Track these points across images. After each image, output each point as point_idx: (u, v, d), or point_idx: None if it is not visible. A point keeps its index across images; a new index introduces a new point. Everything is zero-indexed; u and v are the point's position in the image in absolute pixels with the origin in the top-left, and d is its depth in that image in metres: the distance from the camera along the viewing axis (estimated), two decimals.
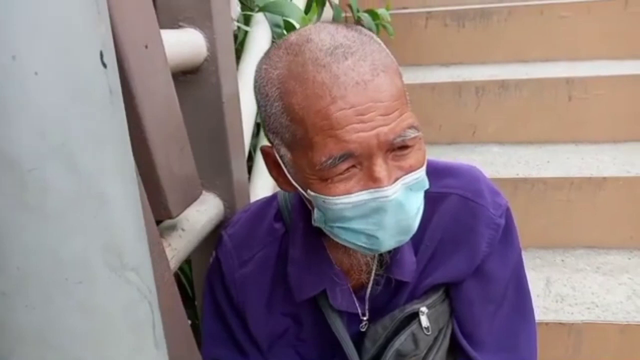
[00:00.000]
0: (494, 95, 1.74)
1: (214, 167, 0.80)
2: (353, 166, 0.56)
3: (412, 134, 0.56)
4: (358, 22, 1.91)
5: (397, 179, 0.57)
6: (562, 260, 1.42)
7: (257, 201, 0.83)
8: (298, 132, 0.57)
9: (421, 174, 0.59)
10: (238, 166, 0.84)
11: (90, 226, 0.29)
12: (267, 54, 0.62)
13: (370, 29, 1.91)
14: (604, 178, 1.44)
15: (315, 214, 0.63)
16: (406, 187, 0.58)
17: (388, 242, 0.60)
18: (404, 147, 0.57)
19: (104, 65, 0.29)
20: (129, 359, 0.32)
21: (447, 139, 1.78)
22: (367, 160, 0.56)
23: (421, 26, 2.04)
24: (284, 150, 0.62)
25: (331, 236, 0.64)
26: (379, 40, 0.61)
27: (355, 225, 0.59)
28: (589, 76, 1.71)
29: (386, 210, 0.57)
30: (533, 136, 1.72)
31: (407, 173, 0.58)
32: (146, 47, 0.55)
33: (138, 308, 0.33)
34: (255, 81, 0.63)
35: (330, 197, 0.58)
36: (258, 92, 0.62)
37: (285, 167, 0.63)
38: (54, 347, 0.30)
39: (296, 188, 0.64)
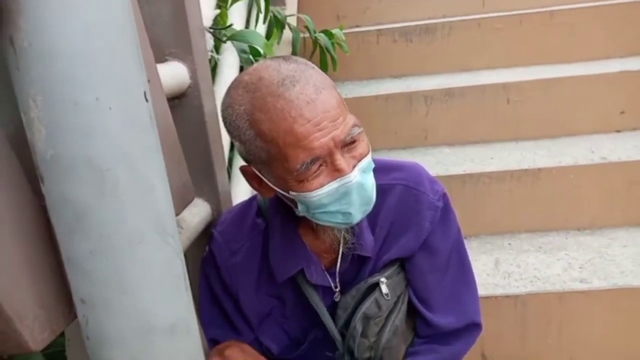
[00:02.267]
0: (441, 102, 1.93)
1: (202, 176, 0.95)
2: (320, 165, 0.72)
3: (356, 130, 0.73)
4: (315, 41, 2.09)
5: (354, 166, 0.73)
6: (509, 244, 1.61)
7: (239, 203, 0.98)
8: (272, 150, 0.72)
9: (369, 158, 0.76)
10: (221, 175, 0.99)
11: (145, 205, 0.44)
12: (229, 94, 0.77)
13: (327, 47, 2.09)
14: (539, 169, 1.64)
15: (299, 207, 0.78)
16: (361, 170, 0.74)
17: (357, 214, 0.77)
18: (353, 141, 0.73)
19: (147, 100, 0.45)
20: (171, 298, 0.47)
21: (402, 143, 1.96)
22: (330, 158, 0.72)
23: (373, 42, 2.24)
24: (261, 166, 0.77)
25: (314, 221, 0.79)
26: (312, 64, 0.77)
27: (331, 208, 0.75)
28: (523, 80, 1.92)
29: (351, 191, 0.73)
30: (478, 137, 1.92)
31: (359, 160, 0.74)
32: (149, 80, 0.70)
33: (175, 263, 0.48)
34: (224, 118, 0.77)
35: (310, 192, 0.73)
36: (230, 125, 0.76)
37: (265, 178, 0.78)
38: (125, 288, 0.44)
39: (276, 193, 0.79)
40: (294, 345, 0.93)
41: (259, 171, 0.78)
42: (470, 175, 1.64)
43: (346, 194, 0.74)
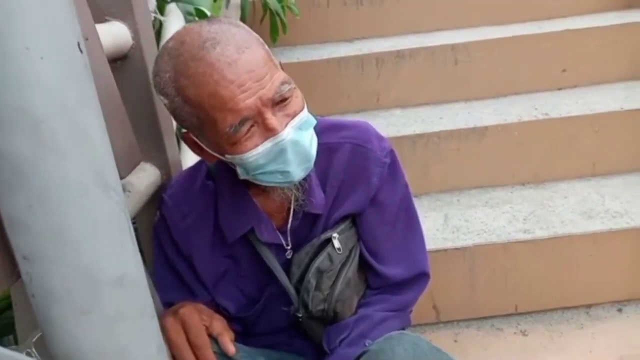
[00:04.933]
0: (392, 64, 1.95)
1: (149, 140, 0.93)
2: (252, 126, 0.72)
3: (286, 87, 0.73)
4: (265, 5, 2.05)
5: (286, 124, 0.73)
6: (458, 200, 1.67)
7: (189, 167, 0.97)
8: (201, 115, 0.72)
9: (304, 115, 0.76)
10: (169, 139, 0.97)
11: (85, 157, 0.43)
12: (156, 62, 0.76)
13: (276, 11, 2.06)
14: (486, 127, 1.69)
15: (238, 170, 0.78)
16: (295, 127, 0.74)
17: (297, 171, 0.77)
18: (284, 99, 0.73)
19: (80, 50, 0.44)
20: (117, 251, 0.48)
21: (354, 107, 1.98)
22: (260, 117, 0.72)
23: (324, 6, 2.22)
24: (196, 132, 0.76)
25: (256, 182, 0.79)
26: (239, 23, 0.76)
27: (269, 168, 0.75)
28: (470, 41, 1.95)
29: (286, 149, 0.74)
30: (428, 98, 1.96)
31: (292, 117, 0.74)
32: (87, 39, 0.68)
33: (118, 216, 0.48)
34: (155, 86, 0.77)
35: (244, 154, 0.74)
36: (160, 93, 0.76)
37: (202, 144, 0.78)
38: (68, 242, 0.44)
39: (216, 157, 0.79)
40: (250, 303, 0.95)
41: (196, 137, 0.78)
42: (420, 136, 1.68)
43: (281, 152, 0.74)
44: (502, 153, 1.70)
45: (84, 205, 0.44)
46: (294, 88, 0.75)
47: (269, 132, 0.72)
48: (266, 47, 0.75)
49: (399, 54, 1.96)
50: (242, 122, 0.71)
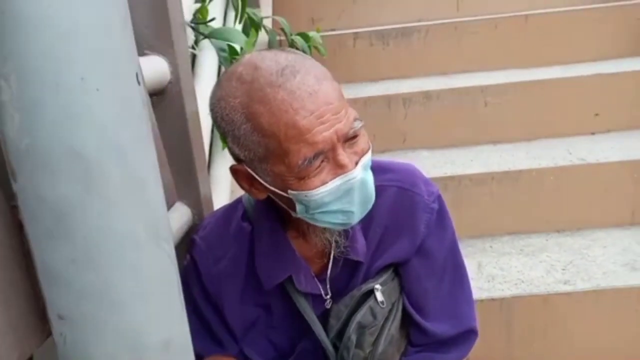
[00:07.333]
0: (419, 105, 1.91)
1: (182, 178, 0.88)
2: (322, 161, 0.68)
3: (358, 124, 0.69)
4: (292, 44, 2.04)
5: (356, 163, 0.69)
6: (491, 247, 1.60)
7: (223, 207, 0.92)
8: (271, 145, 0.67)
9: (370, 154, 0.72)
10: (203, 177, 0.93)
11: (137, 205, 0.38)
12: (220, 86, 0.71)
13: (304, 51, 2.05)
14: (520, 171, 1.63)
15: (297, 208, 0.72)
16: (363, 166, 0.70)
17: (358, 213, 0.72)
18: (354, 136, 0.69)
19: (139, 82, 0.39)
20: (166, 311, 0.42)
21: (380, 147, 1.93)
22: (332, 153, 0.67)
23: (350, 46, 2.21)
24: (257, 164, 0.71)
25: (312, 222, 0.74)
26: (308, 56, 0.73)
27: (333, 207, 0.70)
28: (500, 83, 1.92)
29: (354, 188, 0.69)
30: (457, 139, 1.90)
31: (361, 156, 0.70)
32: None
33: (169, 270, 0.42)
34: (215, 112, 0.71)
35: (311, 191, 0.68)
36: (221, 120, 0.70)
37: (260, 177, 0.72)
38: (113, 302, 0.38)
39: (271, 193, 0.73)
40: (280, 358, 0.88)
41: (253, 170, 0.72)
42: (451, 178, 1.62)
43: (349, 191, 0.69)
44: (537, 198, 1.63)
45: (134, 260, 0.38)
46: (363, 126, 0.71)
47: (339, 168, 0.68)
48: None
49: (426, 95, 1.92)
50: (316, 156, 0.66)
